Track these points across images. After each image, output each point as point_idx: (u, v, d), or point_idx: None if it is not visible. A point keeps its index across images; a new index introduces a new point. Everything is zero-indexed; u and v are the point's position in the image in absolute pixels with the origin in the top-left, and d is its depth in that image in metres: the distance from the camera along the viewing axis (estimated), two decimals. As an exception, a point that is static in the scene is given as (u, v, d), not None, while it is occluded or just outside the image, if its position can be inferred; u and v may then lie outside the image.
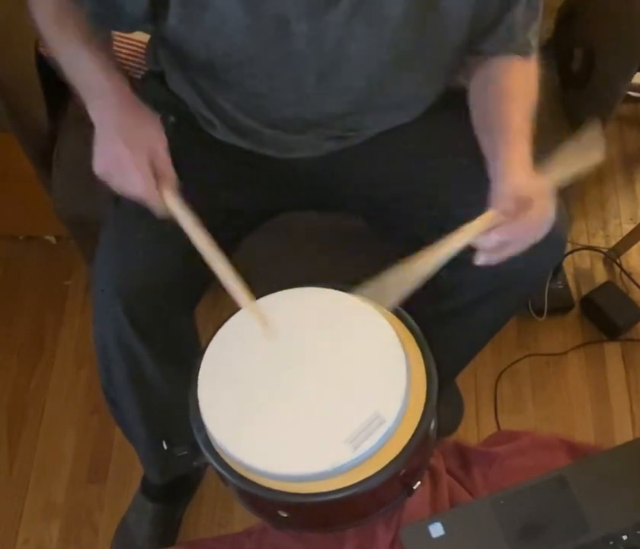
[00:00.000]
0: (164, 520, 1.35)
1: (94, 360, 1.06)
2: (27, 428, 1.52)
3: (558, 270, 1.63)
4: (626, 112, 1.92)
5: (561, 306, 1.63)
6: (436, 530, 0.87)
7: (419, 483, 0.84)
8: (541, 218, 0.87)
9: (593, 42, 1.32)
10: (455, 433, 1.48)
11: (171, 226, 0.88)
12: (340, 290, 0.86)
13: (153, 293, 0.98)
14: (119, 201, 1.03)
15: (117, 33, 1.27)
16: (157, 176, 0.88)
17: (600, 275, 1.70)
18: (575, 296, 1.65)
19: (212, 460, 0.78)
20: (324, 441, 0.75)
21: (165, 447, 0.90)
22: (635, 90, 1.86)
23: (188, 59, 0.96)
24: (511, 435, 1.04)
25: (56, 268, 1.70)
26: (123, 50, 1.29)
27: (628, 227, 1.72)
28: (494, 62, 0.99)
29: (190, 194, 0.90)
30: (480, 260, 0.86)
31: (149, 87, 1.13)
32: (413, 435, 0.75)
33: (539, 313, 1.60)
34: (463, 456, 0.99)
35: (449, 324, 1.14)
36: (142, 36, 1.29)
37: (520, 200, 0.84)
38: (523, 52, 0.99)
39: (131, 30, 1.13)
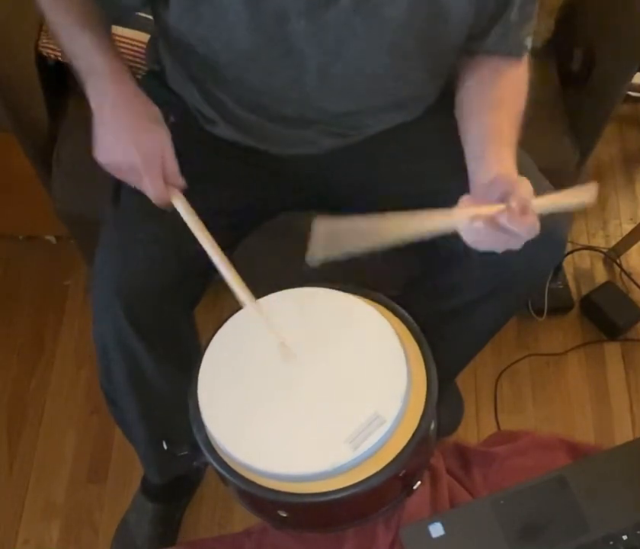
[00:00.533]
0: (165, 520, 1.35)
1: (94, 360, 1.06)
2: (27, 428, 1.51)
3: (558, 270, 1.63)
4: (626, 112, 1.92)
5: (561, 306, 1.63)
6: (436, 530, 0.87)
7: (419, 483, 0.84)
8: (524, 209, 0.80)
9: (593, 42, 1.32)
10: (455, 433, 1.48)
11: (171, 227, 0.88)
12: (341, 290, 0.86)
13: (153, 293, 0.98)
14: (119, 201, 1.03)
15: (117, 33, 1.28)
16: (166, 181, 0.89)
17: (600, 275, 1.70)
18: (575, 296, 1.65)
19: (212, 460, 0.78)
20: (324, 441, 0.75)
21: (165, 447, 0.90)
22: (635, 90, 1.86)
23: (188, 53, 0.96)
24: (511, 435, 1.04)
25: (56, 268, 1.70)
26: (123, 51, 1.29)
27: (628, 227, 1.72)
28: (484, 63, 0.99)
29: (190, 194, 0.90)
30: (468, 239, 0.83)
31: (149, 87, 1.13)
32: (413, 435, 0.75)
33: (539, 313, 1.61)
34: (463, 456, 0.99)
35: (449, 324, 1.13)
36: (142, 37, 1.29)
37: (502, 188, 0.81)
38: (516, 52, 0.98)
39: (126, 14, 1.12)
